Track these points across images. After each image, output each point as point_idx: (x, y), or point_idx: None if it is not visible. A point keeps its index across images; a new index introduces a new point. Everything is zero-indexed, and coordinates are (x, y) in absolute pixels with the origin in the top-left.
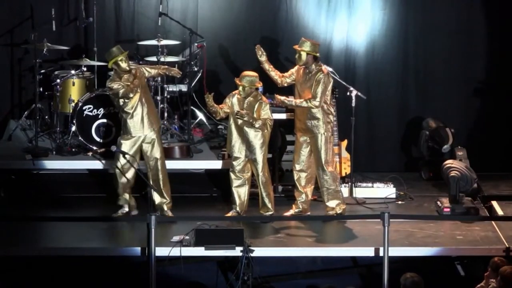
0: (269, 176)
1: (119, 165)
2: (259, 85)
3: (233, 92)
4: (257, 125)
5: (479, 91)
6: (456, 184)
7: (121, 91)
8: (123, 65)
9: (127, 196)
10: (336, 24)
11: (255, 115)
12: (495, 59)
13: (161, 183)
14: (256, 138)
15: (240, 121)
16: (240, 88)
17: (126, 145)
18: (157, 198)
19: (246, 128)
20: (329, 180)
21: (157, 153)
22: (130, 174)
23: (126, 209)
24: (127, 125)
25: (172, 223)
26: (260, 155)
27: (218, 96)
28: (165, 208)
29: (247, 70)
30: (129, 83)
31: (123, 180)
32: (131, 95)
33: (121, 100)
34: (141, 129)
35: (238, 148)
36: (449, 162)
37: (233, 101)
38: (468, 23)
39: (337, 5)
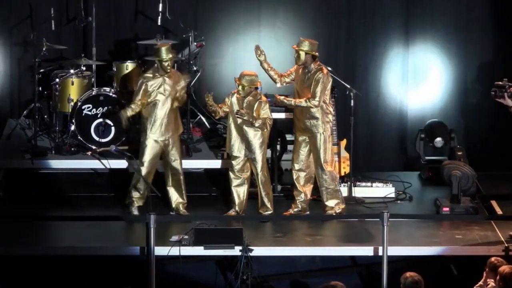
0: (268, 176)
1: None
2: (259, 84)
3: (233, 91)
4: (257, 125)
5: (478, 91)
6: (458, 183)
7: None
8: (165, 67)
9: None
10: (335, 23)
11: (254, 115)
12: (495, 58)
13: (182, 183)
14: (256, 137)
15: (239, 121)
16: (240, 87)
17: (150, 147)
18: (175, 198)
19: (245, 128)
20: (328, 179)
21: (177, 153)
22: (150, 177)
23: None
24: (152, 126)
25: (171, 223)
26: (259, 155)
27: (218, 95)
28: (181, 208)
29: (246, 69)
30: (142, 101)
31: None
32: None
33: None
34: (166, 132)
35: (237, 147)
36: (448, 162)
37: (232, 100)
38: (467, 22)
39: (337, 4)
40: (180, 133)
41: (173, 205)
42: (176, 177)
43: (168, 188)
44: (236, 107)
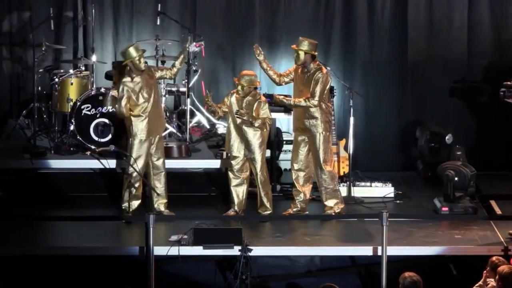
0: (267, 176)
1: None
2: (258, 84)
3: (232, 91)
4: (256, 125)
5: (477, 91)
6: (450, 182)
7: (117, 110)
8: (140, 64)
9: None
10: (335, 24)
11: (254, 114)
12: (494, 58)
13: (164, 183)
14: (255, 137)
15: (239, 121)
16: (239, 87)
17: (139, 148)
18: (157, 198)
19: (245, 127)
20: (327, 179)
21: (160, 152)
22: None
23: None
24: (137, 127)
25: (171, 222)
26: (259, 154)
27: (217, 95)
28: (163, 208)
29: (245, 69)
30: (124, 107)
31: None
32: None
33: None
34: (151, 131)
35: (237, 147)
36: (446, 163)
37: (231, 100)
38: (467, 22)
39: (335, 4)
40: (163, 131)
41: (155, 205)
42: (159, 177)
43: (148, 188)
44: (235, 107)
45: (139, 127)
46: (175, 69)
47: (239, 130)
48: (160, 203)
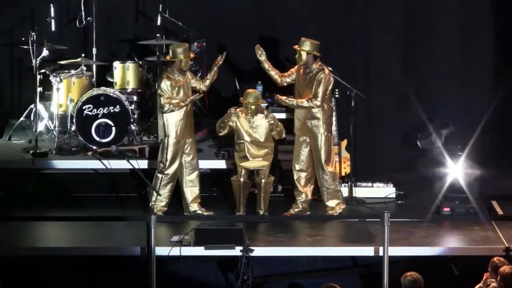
0: (270, 178)
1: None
2: (262, 102)
3: (231, 112)
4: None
5: (479, 90)
6: (454, 183)
7: (166, 108)
8: (184, 66)
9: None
10: (336, 23)
11: (265, 128)
12: (495, 58)
13: (198, 182)
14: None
15: (249, 139)
16: (248, 106)
17: (174, 148)
18: (192, 197)
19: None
20: (329, 179)
21: (194, 151)
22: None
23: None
24: (173, 127)
25: (172, 223)
26: (265, 163)
27: (217, 96)
28: (198, 206)
29: (246, 69)
30: (177, 100)
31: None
32: (173, 110)
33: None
34: (186, 132)
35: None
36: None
37: (238, 122)
38: (470, 22)
39: (336, 3)
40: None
41: (189, 205)
42: (192, 176)
43: (185, 188)
44: (246, 127)
45: (175, 127)
46: (207, 82)
47: (251, 144)
48: (195, 202)
